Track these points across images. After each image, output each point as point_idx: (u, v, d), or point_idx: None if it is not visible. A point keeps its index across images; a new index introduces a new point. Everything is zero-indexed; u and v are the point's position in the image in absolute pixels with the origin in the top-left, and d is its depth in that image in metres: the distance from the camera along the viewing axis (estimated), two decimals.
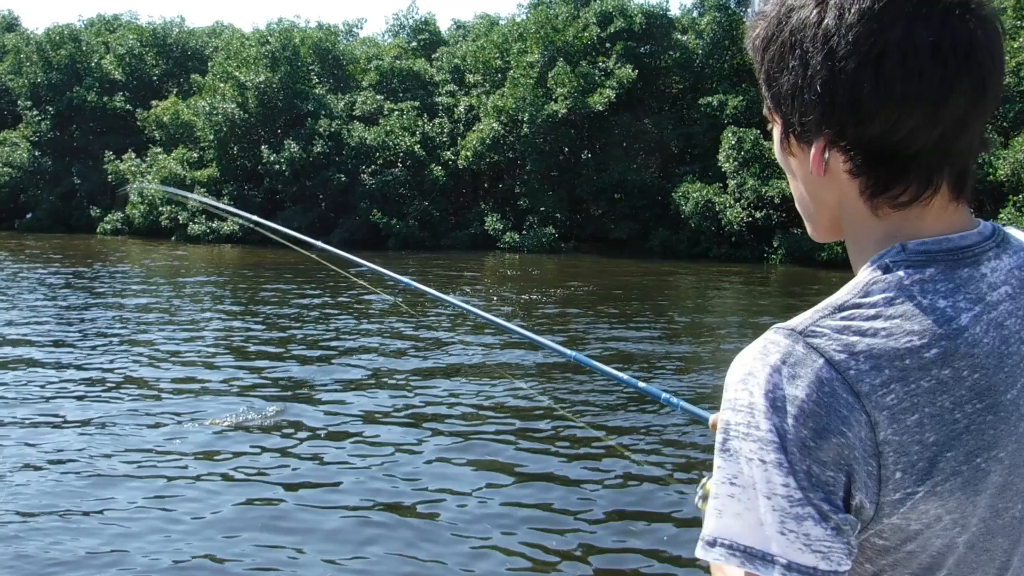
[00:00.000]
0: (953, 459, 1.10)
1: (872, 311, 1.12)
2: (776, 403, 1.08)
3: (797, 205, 1.30)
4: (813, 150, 1.18)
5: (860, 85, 1.10)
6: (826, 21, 1.12)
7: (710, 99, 36.82)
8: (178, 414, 10.55)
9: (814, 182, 1.22)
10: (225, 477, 8.47)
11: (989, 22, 1.13)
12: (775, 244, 32.56)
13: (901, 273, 1.14)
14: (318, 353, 14.54)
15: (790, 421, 1.07)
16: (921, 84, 1.10)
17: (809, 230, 1.30)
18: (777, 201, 32.70)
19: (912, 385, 1.08)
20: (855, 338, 1.09)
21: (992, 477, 1.13)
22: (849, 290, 1.16)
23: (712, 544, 1.12)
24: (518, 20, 41.79)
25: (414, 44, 47.22)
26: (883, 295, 1.13)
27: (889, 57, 1.09)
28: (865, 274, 1.17)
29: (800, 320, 1.13)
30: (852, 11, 1.10)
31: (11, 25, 56.13)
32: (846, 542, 1.07)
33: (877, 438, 1.07)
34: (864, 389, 1.07)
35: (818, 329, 1.11)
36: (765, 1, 1.22)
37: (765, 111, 1.26)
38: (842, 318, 1.12)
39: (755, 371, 1.10)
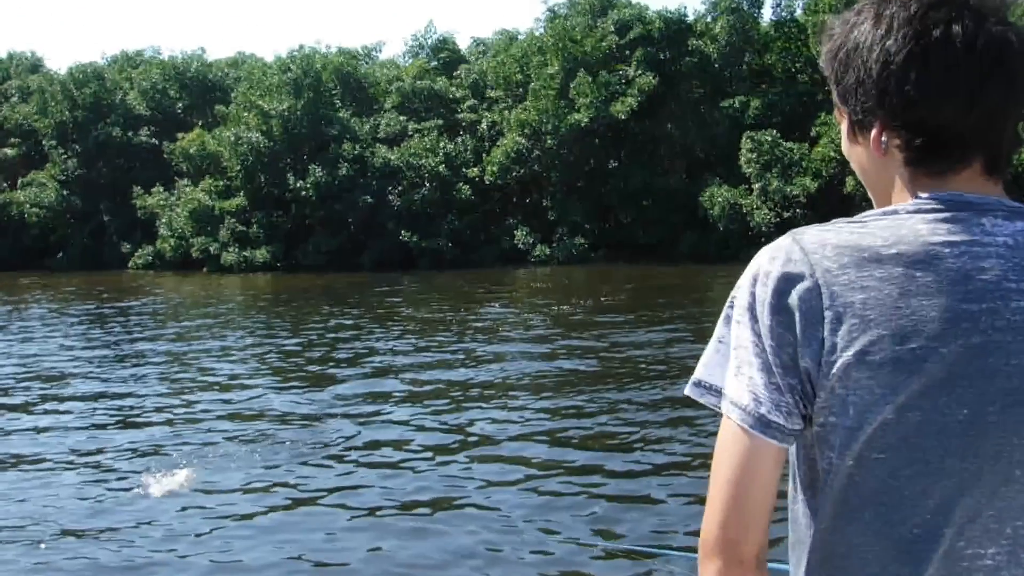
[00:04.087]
0: (889, 339, 1.28)
1: (860, 223, 1.36)
2: (757, 278, 1.35)
3: (868, 191, 1.51)
4: (873, 132, 1.40)
5: (907, 75, 1.34)
6: (881, 28, 1.37)
7: (731, 102, 36.88)
8: (233, 428, 10.77)
9: (876, 164, 1.43)
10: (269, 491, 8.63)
11: (1020, 32, 1.35)
12: None
13: (902, 205, 1.37)
14: (361, 369, 14.75)
15: (761, 289, 1.34)
16: (957, 77, 1.32)
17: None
18: (803, 200, 32.65)
19: (865, 272, 1.30)
20: (831, 235, 1.34)
21: (929, 367, 1.28)
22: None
23: (694, 384, 1.41)
24: (536, 34, 41.96)
25: (434, 63, 47.32)
26: (876, 215, 1.37)
27: (931, 53, 1.33)
28: None
29: (806, 226, 1.39)
30: (901, 18, 1.35)
31: (35, 66, 56.58)
32: (780, 396, 1.32)
33: (823, 306, 1.30)
34: (821, 270, 1.31)
35: (810, 229, 1.37)
36: (832, 24, 1.46)
37: (835, 113, 1.51)
38: (833, 225, 1.37)
39: (756, 259, 1.38)
